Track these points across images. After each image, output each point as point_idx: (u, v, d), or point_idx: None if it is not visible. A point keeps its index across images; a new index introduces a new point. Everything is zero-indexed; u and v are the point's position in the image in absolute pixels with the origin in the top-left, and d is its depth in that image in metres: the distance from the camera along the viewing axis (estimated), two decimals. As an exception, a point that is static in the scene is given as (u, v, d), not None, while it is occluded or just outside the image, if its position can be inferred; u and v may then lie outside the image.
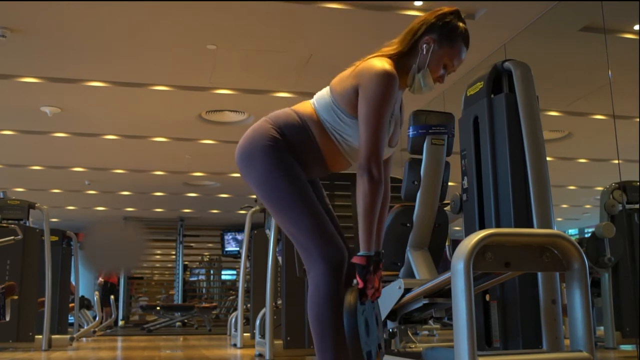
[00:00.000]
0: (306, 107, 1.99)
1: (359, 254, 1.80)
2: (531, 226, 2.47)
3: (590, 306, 1.93)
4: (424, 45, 1.93)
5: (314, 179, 2.04)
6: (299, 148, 1.92)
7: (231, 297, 12.62)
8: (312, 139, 1.93)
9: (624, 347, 4.84)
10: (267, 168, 1.89)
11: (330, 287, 1.82)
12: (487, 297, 2.71)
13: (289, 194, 1.87)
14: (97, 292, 9.38)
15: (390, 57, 1.92)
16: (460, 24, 1.96)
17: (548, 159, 2.57)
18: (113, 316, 10.70)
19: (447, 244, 3.70)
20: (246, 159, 1.93)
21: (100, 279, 11.71)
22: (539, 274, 2.39)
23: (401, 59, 1.93)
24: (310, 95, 2.05)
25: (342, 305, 1.82)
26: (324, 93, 1.98)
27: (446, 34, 1.93)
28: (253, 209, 6.16)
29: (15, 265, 5.56)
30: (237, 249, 13.36)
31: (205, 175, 9.35)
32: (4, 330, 5.29)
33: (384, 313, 2.79)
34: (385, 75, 1.83)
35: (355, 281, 1.82)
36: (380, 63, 1.86)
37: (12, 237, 4.95)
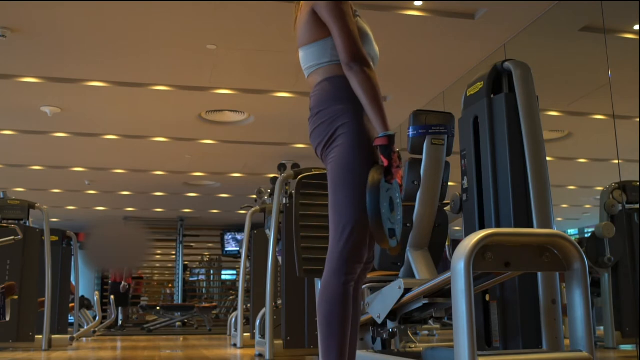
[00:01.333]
0: (315, 76, 2.00)
1: (379, 135, 1.81)
2: (531, 226, 2.47)
3: (590, 306, 1.93)
4: None
5: None
6: (358, 102, 1.89)
7: (231, 297, 12.63)
8: (346, 83, 1.90)
9: (624, 347, 4.84)
10: (355, 154, 1.86)
11: (341, 286, 1.81)
12: (487, 297, 2.71)
13: (363, 190, 1.83)
14: (97, 292, 9.37)
15: None
16: None
17: (548, 159, 2.57)
18: (113, 316, 10.69)
19: (447, 244, 3.70)
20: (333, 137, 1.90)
21: (124, 283, 11.47)
22: (539, 274, 2.39)
23: None
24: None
25: (349, 304, 1.82)
26: (302, 56, 2.02)
27: None
28: (253, 209, 6.16)
29: (15, 265, 5.56)
30: (237, 249, 13.36)
31: (205, 175, 9.35)
32: (4, 330, 5.29)
33: (384, 313, 2.79)
34: None
35: (380, 160, 1.83)
36: None
37: (12, 237, 4.95)
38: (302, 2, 2.00)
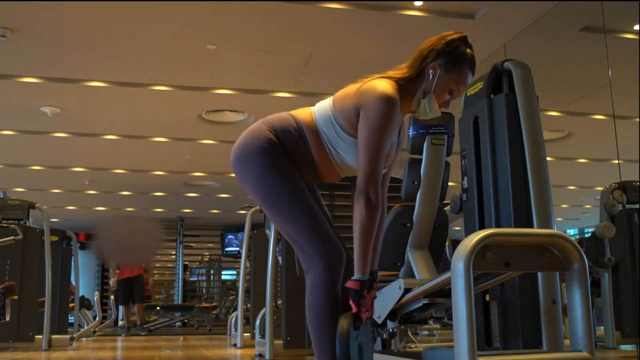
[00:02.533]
0: (306, 114, 1.99)
1: (352, 278, 1.81)
2: (531, 226, 2.47)
3: (590, 306, 1.93)
4: (431, 71, 1.93)
5: (309, 182, 2.04)
6: (292, 153, 1.93)
7: (231, 297, 12.62)
8: (307, 147, 1.93)
9: (624, 347, 4.85)
10: (263, 169, 1.89)
11: (328, 287, 1.82)
12: (487, 297, 2.71)
13: (286, 195, 1.87)
14: (97, 292, 9.37)
15: (397, 80, 1.91)
16: (468, 50, 1.95)
17: (548, 159, 2.57)
18: (113, 316, 10.68)
19: (447, 244, 3.70)
20: (242, 160, 1.93)
21: (147, 277, 10.15)
22: (539, 274, 2.39)
23: (407, 84, 1.93)
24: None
25: (339, 304, 1.82)
26: (325, 105, 1.97)
27: (453, 60, 1.92)
28: (253, 209, 6.17)
29: (15, 265, 5.56)
30: (237, 249, 13.36)
31: (205, 175, 9.35)
32: (4, 330, 5.29)
33: (384, 313, 2.79)
34: (386, 100, 1.83)
35: (348, 305, 1.82)
36: (383, 86, 1.86)
37: (12, 237, 4.95)
38: (359, 89, 1.91)
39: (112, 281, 9.91)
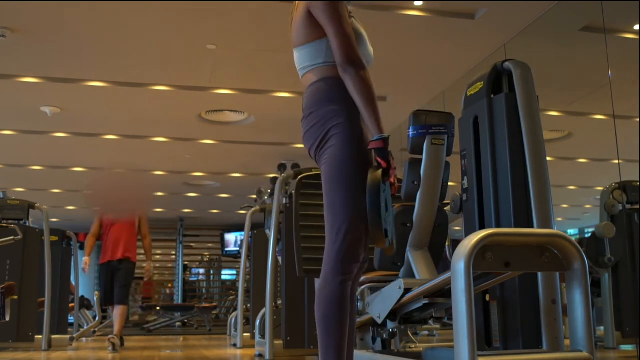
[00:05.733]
0: (309, 77, 1.98)
1: (374, 138, 1.83)
2: (531, 226, 2.47)
3: (590, 306, 1.93)
4: None
5: None
6: (352, 104, 1.89)
7: (231, 297, 12.63)
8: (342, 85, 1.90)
9: (624, 347, 4.84)
10: (348, 154, 1.86)
11: (338, 286, 1.82)
12: (487, 297, 2.71)
13: (358, 190, 1.85)
14: (96, 292, 9.35)
15: None
16: None
17: (548, 159, 2.57)
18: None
19: (447, 244, 3.70)
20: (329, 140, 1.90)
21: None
22: (539, 274, 2.39)
23: None
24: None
25: (348, 306, 1.82)
26: (297, 57, 2.01)
27: None
28: (253, 209, 6.17)
29: (15, 265, 5.56)
30: (237, 249, 13.37)
31: (205, 175, 9.35)
32: (4, 330, 5.29)
33: (384, 313, 2.79)
34: None
35: (375, 162, 1.85)
36: None
37: (12, 237, 4.95)
38: (298, 3, 2.00)
39: (84, 260, 5.85)
